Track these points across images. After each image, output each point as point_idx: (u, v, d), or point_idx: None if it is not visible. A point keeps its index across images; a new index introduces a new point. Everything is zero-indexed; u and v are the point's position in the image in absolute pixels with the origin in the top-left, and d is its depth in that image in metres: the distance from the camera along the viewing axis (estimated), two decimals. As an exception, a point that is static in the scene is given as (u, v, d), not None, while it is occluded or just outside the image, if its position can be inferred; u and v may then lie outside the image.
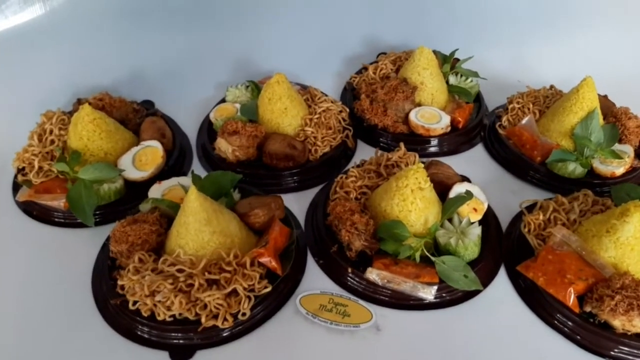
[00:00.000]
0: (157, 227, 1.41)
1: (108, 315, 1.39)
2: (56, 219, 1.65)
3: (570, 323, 1.34)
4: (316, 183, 1.77)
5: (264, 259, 1.36)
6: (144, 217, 1.42)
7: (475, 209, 1.53)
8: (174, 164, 1.77)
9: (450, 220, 1.50)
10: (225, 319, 1.29)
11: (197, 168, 1.83)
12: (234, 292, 1.32)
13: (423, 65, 1.90)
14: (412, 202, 1.44)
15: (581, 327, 1.32)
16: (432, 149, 1.90)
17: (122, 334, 1.35)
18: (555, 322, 1.36)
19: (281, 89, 1.76)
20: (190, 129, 1.98)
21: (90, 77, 2.02)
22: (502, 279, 1.48)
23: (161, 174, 1.69)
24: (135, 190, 1.65)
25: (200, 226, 1.33)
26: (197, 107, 2.03)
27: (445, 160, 1.85)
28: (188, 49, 2.10)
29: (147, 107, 1.94)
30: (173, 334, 1.31)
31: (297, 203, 1.71)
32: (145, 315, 1.31)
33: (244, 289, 1.31)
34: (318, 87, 2.10)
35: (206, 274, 1.31)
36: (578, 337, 1.33)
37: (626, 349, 1.29)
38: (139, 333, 1.34)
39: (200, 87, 2.10)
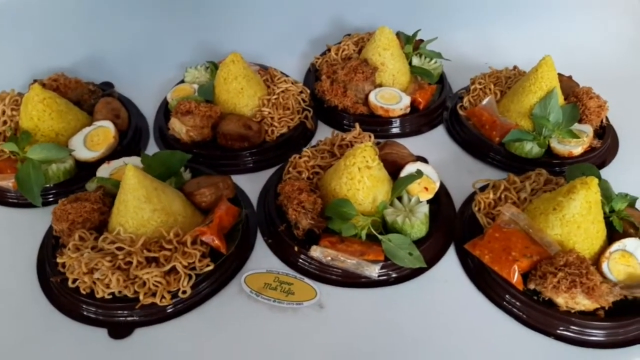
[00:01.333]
0: (99, 206, 1.40)
1: (50, 293, 1.37)
2: (10, 200, 1.63)
3: (514, 301, 1.32)
4: (273, 164, 1.75)
5: (207, 238, 1.34)
6: (86, 195, 1.41)
7: (426, 188, 1.51)
8: (129, 144, 1.75)
9: (400, 199, 1.48)
10: (163, 297, 1.27)
11: (153, 149, 1.81)
12: (174, 270, 1.30)
13: (383, 46, 1.87)
14: (359, 181, 1.42)
15: (525, 304, 1.30)
16: (394, 130, 1.87)
17: (63, 311, 1.33)
18: (501, 300, 1.35)
19: (237, 69, 1.74)
20: (150, 110, 1.95)
21: (49, 59, 1.99)
22: (450, 257, 1.47)
23: (113, 155, 1.67)
24: (87, 171, 1.62)
25: (140, 204, 1.31)
26: (157, 88, 2.01)
27: (406, 141, 1.83)
28: (149, 30, 2.07)
29: (104, 89, 1.91)
30: (112, 312, 1.30)
31: (254, 184, 1.69)
32: (84, 292, 1.29)
33: (184, 266, 1.30)
34: (283, 69, 2.08)
35: (145, 251, 1.29)
36: (523, 315, 1.32)
37: (571, 327, 1.27)
38: (78, 311, 1.32)
39: (162, 69, 2.07)
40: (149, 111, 1.95)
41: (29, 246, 1.49)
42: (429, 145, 1.83)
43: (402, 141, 1.79)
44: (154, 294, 1.28)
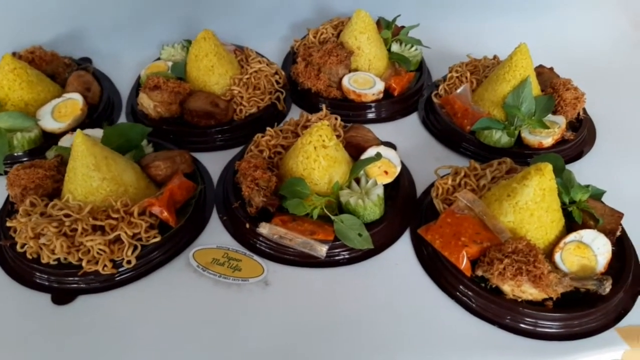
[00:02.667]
0: (53, 173, 1.40)
1: (1, 257, 1.38)
2: (-24, 167, 1.64)
3: (462, 287, 1.29)
4: (241, 143, 1.73)
5: (155, 209, 1.34)
6: (40, 162, 1.41)
7: (386, 172, 1.49)
8: (99, 117, 1.75)
9: (358, 181, 1.46)
10: (105, 265, 1.27)
11: (123, 124, 1.81)
12: (119, 239, 1.30)
13: (360, 30, 1.85)
14: (315, 160, 1.41)
15: (472, 291, 1.27)
16: (369, 115, 1.85)
17: (12, 276, 1.35)
18: (450, 286, 1.32)
19: (208, 46, 1.73)
20: (125, 86, 1.96)
21: (30, 34, 2.00)
22: (405, 242, 1.44)
23: (80, 127, 1.67)
24: (52, 141, 1.63)
25: (88, 171, 1.31)
26: (135, 66, 2.01)
27: (379, 126, 1.82)
28: (131, 7, 2.08)
29: (80, 63, 1.92)
30: (56, 277, 1.30)
31: (220, 162, 1.68)
32: (30, 257, 1.30)
33: (129, 236, 1.29)
34: (263, 51, 2.07)
35: (91, 219, 1.29)
36: (470, 302, 1.29)
37: (517, 316, 1.24)
38: (26, 275, 1.33)
39: (141, 47, 2.07)
40: (124, 87, 1.96)
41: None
42: (401, 132, 1.81)
43: (374, 126, 1.77)
44: (97, 262, 1.28)
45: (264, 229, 1.36)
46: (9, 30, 2.00)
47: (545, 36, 2.14)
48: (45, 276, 1.30)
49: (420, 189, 1.60)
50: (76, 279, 1.29)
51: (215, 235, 1.45)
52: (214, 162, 1.67)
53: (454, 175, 1.48)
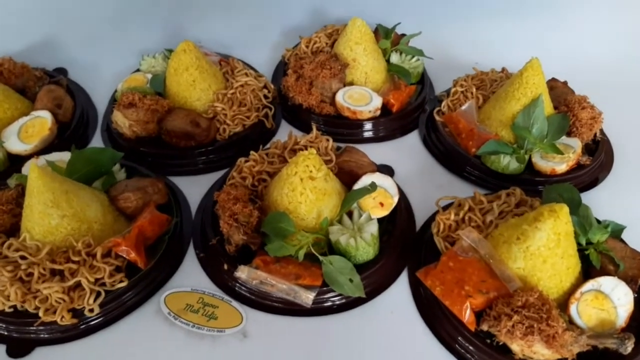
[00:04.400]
0: (11, 207, 1.27)
1: (-47, 301, 1.24)
2: (-60, 192, 1.51)
3: (464, 342, 1.15)
4: (225, 165, 1.59)
5: (121, 250, 1.20)
6: (-4, 195, 1.27)
7: (381, 204, 1.34)
8: (71, 136, 1.61)
9: (350, 215, 1.31)
10: (62, 316, 1.13)
11: (98, 143, 1.67)
12: (80, 285, 1.16)
13: (355, 40, 1.69)
14: (301, 193, 1.26)
15: (475, 347, 1.13)
16: (365, 134, 1.70)
17: (-36, 322, 1.21)
18: (451, 340, 1.17)
19: (188, 59, 1.59)
20: (103, 100, 1.81)
21: (2, 43, 1.86)
22: (402, 284, 1.30)
23: (49, 148, 1.53)
24: (19, 165, 1.49)
25: (46, 208, 1.17)
26: (114, 77, 1.86)
27: (376, 146, 1.68)
28: (110, 13, 1.93)
29: (55, 75, 1.77)
30: (11, 326, 1.17)
31: (200, 187, 1.54)
32: (-17, 304, 1.16)
33: (90, 282, 1.15)
34: (252, 61, 1.93)
35: (49, 263, 1.16)
36: (472, 359, 1.14)
37: (527, 378, 1.10)
38: (-19, 324, 1.19)
39: (121, 56, 1.92)
40: (101, 100, 1.81)
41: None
42: (400, 152, 1.66)
43: (370, 146, 1.64)
44: (55, 311, 1.14)
45: (243, 273, 1.21)
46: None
47: (557, 45, 1.97)
48: (4, 325, 1.17)
49: (419, 220, 1.45)
50: (33, 328, 1.16)
51: (191, 275, 1.32)
52: (195, 188, 1.54)
53: (457, 209, 1.33)
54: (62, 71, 1.87)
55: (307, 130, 1.70)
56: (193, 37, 1.99)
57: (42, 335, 1.18)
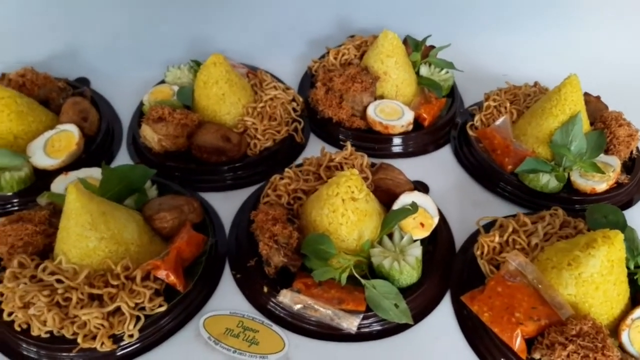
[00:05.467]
0: (44, 228, 1.23)
1: (-17, 323, 1.21)
2: (-38, 207, 1.47)
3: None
4: (255, 181, 1.57)
5: (161, 273, 1.16)
6: (29, 215, 1.24)
7: (422, 224, 1.31)
8: (96, 151, 1.57)
9: (391, 236, 1.28)
10: (103, 342, 1.10)
11: (124, 157, 1.64)
12: (119, 310, 1.13)
13: (387, 53, 1.66)
14: (342, 214, 1.23)
15: (527, 376, 1.10)
16: (394, 149, 1.67)
17: (-3, 347, 1.17)
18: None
19: (218, 72, 1.55)
20: (127, 112, 1.77)
21: (23, 51, 1.83)
22: (445, 308, 1.27)
23: (76, 163, 1.50)
24: (46, 180, 1.45)
25: (83, 231, 1.13)
26: (137, 87, 1.82)
27: (407, 162, 1.65)
28: (133, 22, 1.89)
29: (78, 86, 1.73)
30: (46, 352, 1.13)
31: (231, 204, 1.51)
32: (18, 328, 1.13)
33: (130, 307, 1.12)
34: (277, 72, 1.89)
35: (88, 287, 1.12)
36: (524, 389, 1.11)
37: (580, 407, 1.07)
38: (14, 347, 1.16)
39: (144, 66, 1.88)
40: (126, 113, 1.77)
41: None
42: (433, 168, 1.63)
43: (402, 162, 1.61)
44: (94, 337, 1.11)
45: (285, 297, 1.18)
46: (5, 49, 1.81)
47: (588, 58, 1.94)
48: (35, 349, 1.13)
49: (457, 238, 1.42)
50: (70, 355, 1.12)
51: (228, 296, 1.28)
52: (225, 204, 1.50)
53: (500, 230, 1.30)
54: (84, 81, 1.83)
55: (336, 143, 1.68)
56: (216, 48, 1.97)
57: (78, 361, 1.14)
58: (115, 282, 1.13)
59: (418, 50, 1.76)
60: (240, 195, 1.53)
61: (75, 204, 1.11)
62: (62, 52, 1.87)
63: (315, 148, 1.69)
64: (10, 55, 1.81)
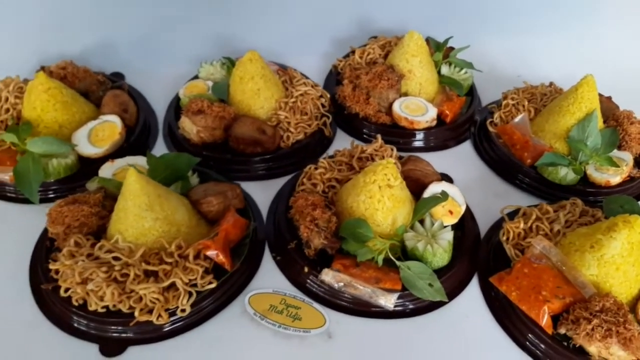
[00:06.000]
0: (98, 209, 1.30)
1: (40, 300, 1.28)
2: (8, 194, 1.54)
3: (542, 345, 1.21)
4: (287, 172, 1.64)
5: (210, 252, 1.24)
6: (84, 197, 1.31)
7: (450, 212, 1.40)
8: (135, 141, 1.64)
9: (421, 222, 1.37)
10: (160, 315, 1.17)
11: (161, 147, 1.71)
12: (173, 286, 1.20)
13: (412, 52, 1.75)
14: (379, 200, 1.31)
15: (553, 350, 1.19)
16: (417, 143, 1.76)
17: (53, 321, 1.25)
18: (526, 342, 1.23)
19: (254, 68, 1.63)
20: (160, 105, 1.85)
21: (58, 44, 1.90)
22: (473, 290, 1.35)
23: (118, 152, 1.57)
24: (89, 167, 1.53)
25: (141, 211, 1.21)
26: (169, 82, 1.90)
27: (430, 156, 1.72)
28: (164, 20, 1.96)
29: (114, 80, 1.81)
30: (104, 326, 1.20)
31: (264, 193, 1.59)
32: (76, 303, 1.20)
33: (184, 283, 1.20)
34: (302, 69, 1.97)
35: (144, 264, 1.20)
36: (549, 361, 1.20)
37: (602, 378, 1.16)
38: (69, 322, 1.23)
39: (175, 62, 1.96)
40: (159, 106, 1.85)
41: (23, 245, 1.40)
42: (454, 162, 1.71)
43: (425, 155, 1.68)
44: (150, 311, 1.18)
45: (327, 276, 1.26)
46: (34, 40, 1.88)
47: (600, 60, 2.04)
48: (93, 324, 1.20)
49: (481, 227, 1.51)
50: (126, 328, 1.19)
51: (269, 277, 1.36)
52: (259, 193, 1.58)
53: (524, 218, 1.39)
54: (119, 75, 1.91)
55: (361, 138, 1.77)
56: (242, 46, 2.05)
57: (130, 335, 1.21)
58: (169, 260, 1.21)
59: (440, 50, 1.85)
60: (273, 185, 1.61)
61: (135, 186, 1.19)
62: (96, 46, 1.94)
63: (341, 141, 1.77)
64: (46, 49, 1.88)
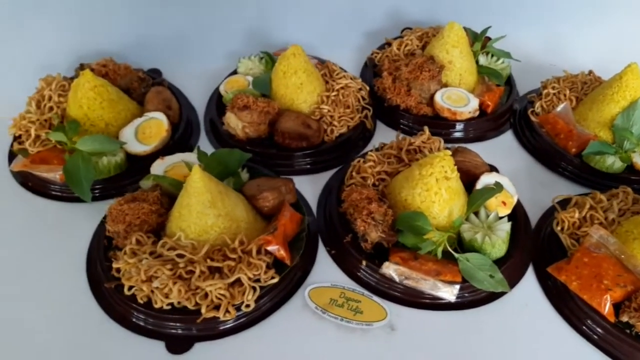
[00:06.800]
0: (157, 207, 1.30)
1: (102, 298, 1.29)
2: (53, 192, 1.54)
3: (602, 332, 1.22)
4: (331, 166, 1.65)
5: (272, 247, 1.25)
6: (143, 195, 1.31)
7: (504, 203, 1.40)
8: (180, 138, 1.65)
9: (476, 213, 1.37)
10: (227, 311, 1.18)
11: (204, 143, 1.71)
12: (238, 281, 1.21)
13: (452, 43, 1.75)
14: (436, 193, 1.32)
15: (615, 337, 1.20)
16: (457, 134, 1.76)
17: (116, 320, 1.25)
18: (586, 329, 1.24)
19: (297, 62, 1.63)
20: (199, 101, 1.85)
21: (94, 41, 1.89)
22: (529, 280, 1.36)
23: (165, 149, 1.57)
24: (137, 165, 1.54)
25: (204, 208, 1.21)
26: (206, 77, 1.90)
27: (471, 147, 1.71)
28: (198, 15, 1.95)
29: (154, 76, 1.81)
30: (170, 324, 1.21)
31: (310, 186, 1.59)
32: (141, 301, 1.21)
33: (249, 279, 1.20)
34: (335, 61, 1.95)
35: (208, 260, 1.20)
36: (611, 348, 1.21)
37: (665, 364, 1.17)
38: (134, 320, 1.24)
39: (210, 57, 1.96)
40: (198, 102, 1.85)
41: (74, 244, 1.41)
42: (496, 152, 1.71)
43: (467, 146, 1.69)
44: (216, 307, 1.19)
45: (388, 269, 1.27)
46: (71, 36, 1.87)
47: (635, 47, 2.03)
48: (159, 322, 1.21)
49: (531, 217, 1.51)
50: (192, 325, 1.20)
51: (326, 271, 1.37)
52: (302, 187, 1.58)
53: (578, 207, 1.39)
54: (156, 71, 1.90)
55: (403, 131, 1.76)
56: (275, 39, 2.06)
57: (194, 332, 1.22)
58: (233, 256, 1.21)
59: (479, 40, 1.84)
60: (317, 179, 1.62)
61: (199, 183, 1.19)
62: (132, 42, 1.93)
63: (382, 134, 1.78)
64: (83, 45, 1.87)
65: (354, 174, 1.49)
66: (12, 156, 1.61)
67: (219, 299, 1.19)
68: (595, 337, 1.23)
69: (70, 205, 1.51)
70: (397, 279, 1.27)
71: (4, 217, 1.48)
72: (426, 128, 1.56)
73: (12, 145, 1.61)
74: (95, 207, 1.47)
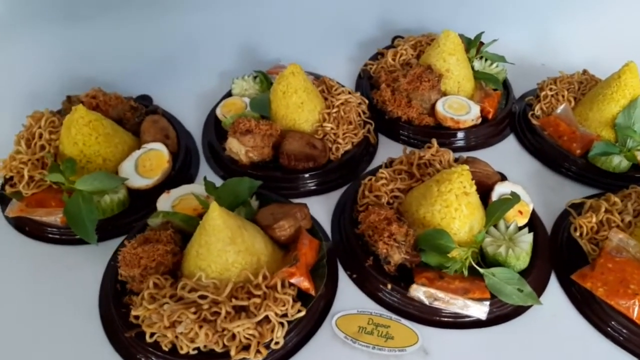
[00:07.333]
0: (172, 246, 1.25)
1: (121, 347, 1.23)
2: (51, 235, 1.46)
3: (635, 337, 1.22)
4: (339, 185, 1.62)
5: (296, 279, 1.21)
6: (156, 235, 1.25)
7: (520, 212, 1.40)
8: (181, 167, 1.59)
9: (495, 225, 1.36)
10: (258, 351, 1.14)
11: (206, 171, 1.66)
12: (265, 319, 1.16)
13: (449, 51, 1.74)
14: (456, 209, 1.30)
15: (647, 341, 1.20)
16: (459, 143, 1.75)
17: (145, 371, 1.19)
18: (618, 335, 1.24)
19: (297, 81, 1.59)
20: (194, 125, 1.79)
21: (78, 69, 1.82)
22: (553, 288, 1.36)
23: (168, 181, 1.51)
24: (140, 200, 1.48)
25: (224, 246, 1.17)
26: (199, 100, 1.85)
27: (476, 154, 1.71)
28: (185, 34, 1.90)
29: (145, 104, 1.74)
30: (197, 369, 1.16)
31: (319, 207, 1.56)
32: (165, 348, 1.15)
33: (278, 315, 1.16)
34: (329, 75, 1.93)
35: (233, 300, 1.15)
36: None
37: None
38: (158, 368, 1.18)
39: (201, 78, 1.91)
40: (192, 127, 1.79)
41: (84, 291, 1.34)
42: (502, 158, 1.70)
43: (471, 154, 1.68)
44: (245, 348, 1.14)
45: (417, 292, 1.25)
46: (54, 65, 1.79)
47: (624, 40, 2.06)
48: (188, 368, 1.16)
49: (545, 222, 1.51)
50: (223, 369, 1.15)
51: (349, 296, 1.34)
52: (314, 208, 1.53)
53: (594, 211, 1.40)
54: (146, 98, 1.83)
55: (404, 142, 1.74)
56: (265, 56, 2.01)
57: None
58: (258, 292, 1.17)
59: (474, 46, 1.84)
60: (325, 200, 1.58)
61: (217, 221, 1.14)
62: (118, 69, 1.86)
63: (385, 148, 1.75)
64: (66, 73, 1.79)
65: (366, 192, 1.46)
66: (2, 199, 1.53)
67: (248, 339, 1.14)
68: (627, 342, 1.23)
69: (73, 248, 1.44)
70: (426, 301, 1.25)
71: (2, 264, 1.39)
72: (434, 140, 1.54)
73: (2, 188, 1.52)
74: (100, 249, 1.40)
